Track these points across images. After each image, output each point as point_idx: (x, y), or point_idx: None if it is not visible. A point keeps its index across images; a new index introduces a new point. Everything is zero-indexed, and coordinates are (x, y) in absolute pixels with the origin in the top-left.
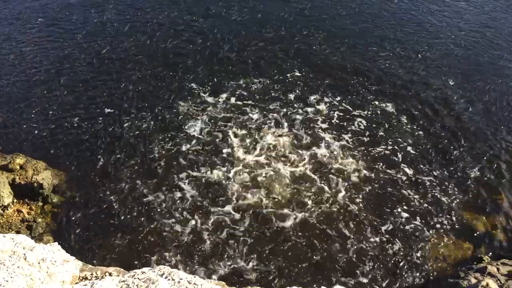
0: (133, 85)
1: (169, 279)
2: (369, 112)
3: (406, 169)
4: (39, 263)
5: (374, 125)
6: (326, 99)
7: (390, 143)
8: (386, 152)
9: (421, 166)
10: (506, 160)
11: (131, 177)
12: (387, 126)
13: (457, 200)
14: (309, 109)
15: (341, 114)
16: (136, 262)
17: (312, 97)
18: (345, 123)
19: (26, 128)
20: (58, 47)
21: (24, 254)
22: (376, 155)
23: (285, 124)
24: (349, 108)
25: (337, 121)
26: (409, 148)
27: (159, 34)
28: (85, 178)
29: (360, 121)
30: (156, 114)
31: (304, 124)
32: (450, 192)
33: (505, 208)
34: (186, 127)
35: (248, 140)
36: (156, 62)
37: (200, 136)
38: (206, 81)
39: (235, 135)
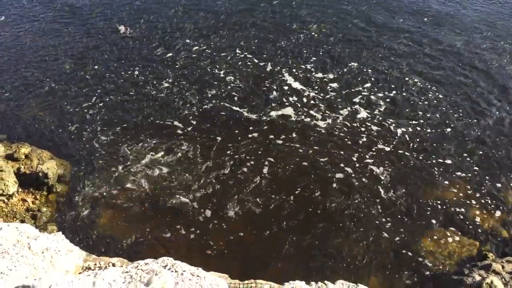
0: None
1: (172, 271)
2: None
3: (415, 159)
4: (43, 252)
5: None
6: None
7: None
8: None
9: (432, 160)
10: None
11: (136, 169)
12: None
13: (462, 196)
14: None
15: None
16: (139, 253)
17: None
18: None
19: (31, 118)
20: (66, 36)
21: (28, 243)
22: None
23: None
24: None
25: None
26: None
27: None
28: (90, 168)
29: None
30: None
31: None
32: (456, 187)
33: (511, 205)
34: None
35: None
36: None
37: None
38: None
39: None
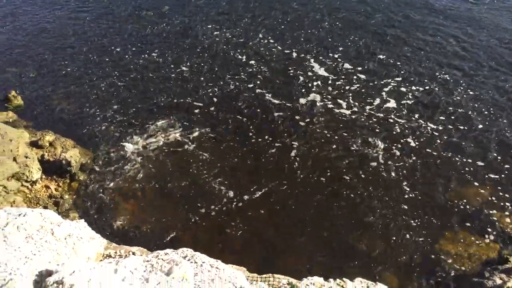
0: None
1: (191, 262)
2: None
3: (442, 156)
4: (65, 238)
5: None
6: None
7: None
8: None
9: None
10: None
11: (157, 157)
12: None
13: (486, 198)
14: None
15: None
16: (159, 243)
17: None
18: None
19: (56, 106)
20: (93, 25)
21: (52, 229)
22: None
23: None
24: None
25: None
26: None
27: None
28: (111, 157)
29: None
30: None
31: None
32: (481, 189)
33: None
34: None
35: None
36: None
37: None
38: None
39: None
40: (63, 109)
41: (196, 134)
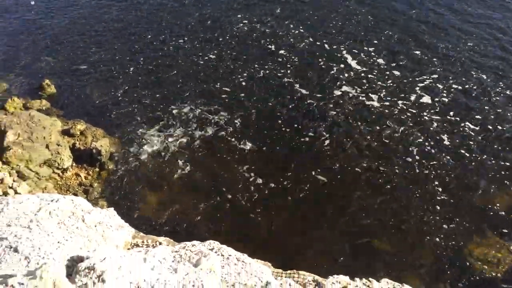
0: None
1: (218, 254)
2: None
3: (478, 158)
4: (95, 226)
5: None
6: None
7: None
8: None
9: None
10: None
11: (185, 146)
12: None
13: None
14: None
15: None
16: (185, 234)
17: None
18: None
19: (87, 95)
20: (123, 15)
21: (83, 216)
22: None
23: None
24: None
25: None
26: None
27: None
28: (140, 148)
29: None
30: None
31: None
32: (508, 193)
33: None
34: None
35: None
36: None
37: None
38: None
39: None
40: (94, 98)
41: (223, 121)
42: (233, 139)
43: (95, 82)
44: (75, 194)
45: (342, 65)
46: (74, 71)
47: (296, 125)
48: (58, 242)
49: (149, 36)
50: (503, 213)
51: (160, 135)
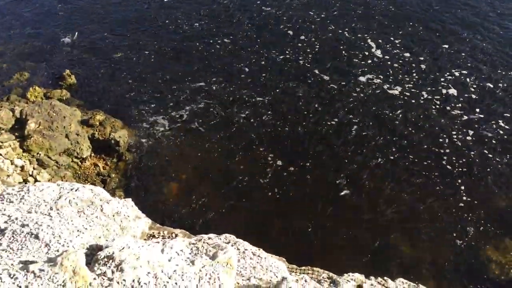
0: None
1: (234, 248)
2: None
3: (500, 159)
4: (113, 216)
5: None
6: None
7: None
8: None
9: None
10: None
11: (202, 148)
12: None
13: None
14: None
15: None
16: (201, 227)
17: None
18: None
19: (107, 87)
20: (139, 6)
21: (101, 205)
22: None
23: None
24: None
25: None
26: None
27: None
28: (159, 138)
29: None
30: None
31: None
32: None
33: None
34: None
35: None
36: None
37: None
38: None
39: None
40: (114, 89)
41: (239, 102)
42: (250, 122)
43: (115, 73)
44: (93, 184)
45: (366, 53)
46: (94, 61)
47: (316, 105)
48: (78, 230)
49: (168, 24)
50: None
51: (178, 126)
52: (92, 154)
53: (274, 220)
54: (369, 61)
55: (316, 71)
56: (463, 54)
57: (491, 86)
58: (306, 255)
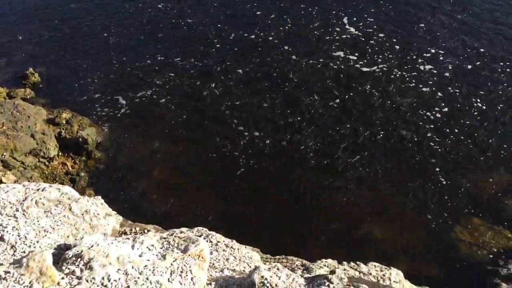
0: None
1: (207, 241)
2: None
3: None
4: (82, 214)
5: None
6: None
7: None
8: None
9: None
10: None
11: (171, 140)
12: None
13: (501, 186)
14: None
15: None
16: (173, 222)
17: None
18: None
19: (73, 84)
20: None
21: (69, 204)
22: None
23: None
24: None
25: None
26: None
27: None
28: (128, 137)
29: None
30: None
31: None
32: (494, 177)
33: None
34: None
35: None
36: None
37: None
38: None
39: None
40: (80, 86)
41: (208, 89)
42: (221, 108)
43: (80, 70)
44: (62, 183)
45: (338, 29)
46: (58, 59)
47: (291, 83)
48: (45, 230)
49: (132, 14)
50: (487, 197)
51: (147, 120)
52: (60, 153)
53: (250, 210)
54: (342, 39)
55: (286, 47)
56: (438, 33)
57: (466, 64)
58: (282, 245)
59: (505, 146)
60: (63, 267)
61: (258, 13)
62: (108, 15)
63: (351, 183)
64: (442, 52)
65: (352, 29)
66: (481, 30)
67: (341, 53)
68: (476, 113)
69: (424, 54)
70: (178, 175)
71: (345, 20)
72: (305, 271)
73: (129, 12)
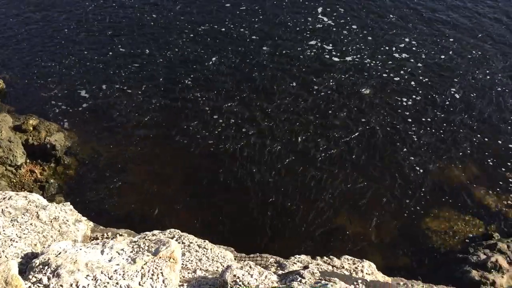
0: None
1: (179, 242)
2: None
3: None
4: (51, 221)
5: None
6: None
7: None
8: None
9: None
10: None
11: (142, 141)
12: None
13: (470, 176)
14: None
15: None
16: (146, 225)
17: None
18: None
19: (40, 90)
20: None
21: (37, 212)
22: None
23: None
24: None
25: None
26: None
27: None
28: (97, 141)
29: None
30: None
31: None
32: (463, 166)
33: None
34: None
35: None
36: None
37: None
38: None
39: None
40: (47, 92)
41: (180, 82)
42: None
43: (45, 74)
44: (30, 191)
45: (310, 18)
46: (23, 64)
47: (268, 73)
48: (11, 240)
49: (100, 12)
50: (455, 186)
51: (117, 124)
52: (28, 161)
53: (225, 210)
54: (315, 30)
55: (257, 38)
56: (410, 24)
57: (439, 54)
58: (257, 243)
59: (476, 135)
60: (30, 276)
61: (227, 5)
62: (74, 15)
63: (323, 177)
64: (415, 42)
65: (325, 19)
66: (454, 18)
67: (314, 42)
68: (448, 102)
69: (398, 44)
70: (151, 176)
71: (319, 9)
72: (279, 268)
73: (94, 12)
